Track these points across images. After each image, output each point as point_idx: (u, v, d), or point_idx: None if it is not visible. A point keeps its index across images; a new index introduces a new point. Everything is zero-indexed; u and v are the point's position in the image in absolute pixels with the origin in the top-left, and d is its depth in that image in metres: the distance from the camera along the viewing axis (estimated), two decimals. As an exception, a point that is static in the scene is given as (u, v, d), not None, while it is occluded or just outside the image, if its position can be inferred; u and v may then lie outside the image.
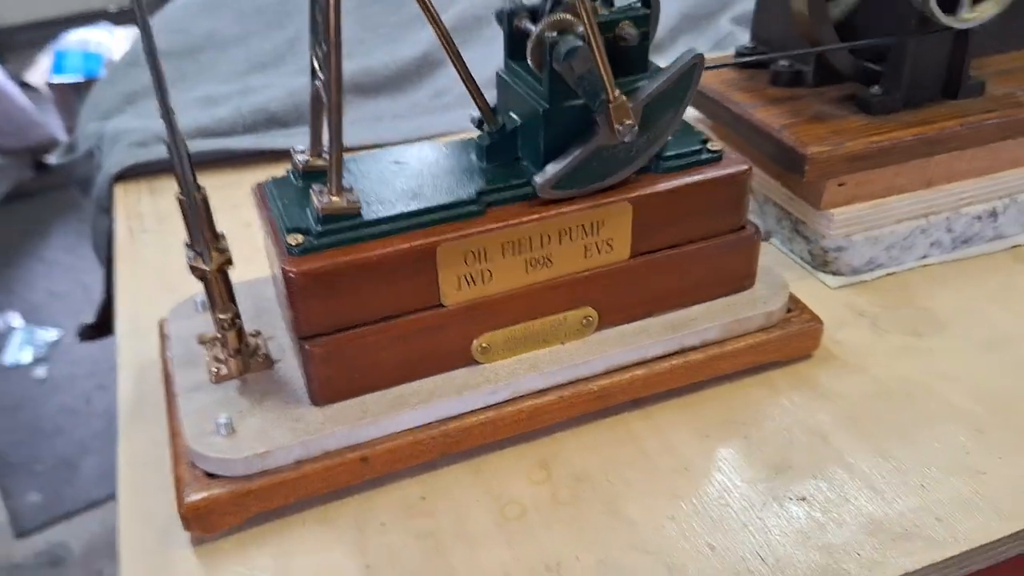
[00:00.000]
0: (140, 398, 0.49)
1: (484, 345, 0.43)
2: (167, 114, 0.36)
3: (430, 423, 0.42)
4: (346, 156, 0.44)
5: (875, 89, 0.54)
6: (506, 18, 0.43)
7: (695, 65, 0.42)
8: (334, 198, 0.39)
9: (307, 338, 0.40)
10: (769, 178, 0.57)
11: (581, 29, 0.40)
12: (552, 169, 0.41)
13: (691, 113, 0.64)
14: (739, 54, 0.61)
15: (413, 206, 0.41)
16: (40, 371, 2.19)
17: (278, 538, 0.40)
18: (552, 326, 0.44)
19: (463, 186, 0.42)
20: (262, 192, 0.44)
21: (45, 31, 3.14)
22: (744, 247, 0.47)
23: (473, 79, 0.43)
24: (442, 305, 0.42)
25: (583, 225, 0.43)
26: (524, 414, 0.43)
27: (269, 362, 0.44)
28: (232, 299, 0.42)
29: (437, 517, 0.41)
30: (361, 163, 0.45)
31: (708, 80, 0.60)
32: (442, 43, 0.41)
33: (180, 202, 0.39)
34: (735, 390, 0.47)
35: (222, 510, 0.39)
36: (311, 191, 0.40)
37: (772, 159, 0.54)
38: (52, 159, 0.86)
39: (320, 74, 0.41)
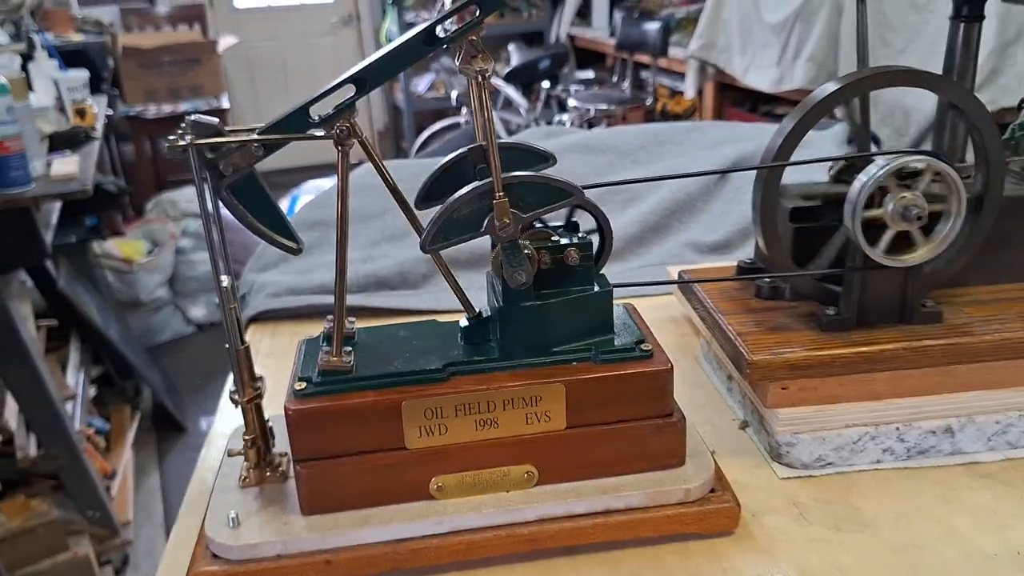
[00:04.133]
0: (202, 491, 0.63)
1: (439, 485, 0.55)
2: (219, 288, 0.52)
3: (386, 541, 0.53)
4: (362, 325, 0.59)
5: (830, 310, 0.62)
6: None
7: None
8: (332, 358, 0.53)
9: (299, 461, 0.53)
10: (742, 377, 0.66)
11: (527, 251, 0.53)
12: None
13: (691, 314, 0.74)
14: (739, 268, 0.71)
15: (391, 369, 0.54)
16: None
17: (256, 612, 0.52)
18: (498, 476, 0.55)
19: (438, 357, 0.55)
20: (298, 347, 0.59)
21: (290, 177, 3.71)
22: (669, 431, 0.56)
23: (458, 284, 0.57)
24: (406, 448, 0.54)
25: (523, 397, 0.54)
26: (463, 545, 0.54)
27: (284, 477, 0.58)
28: (261, 425, 0.56)
29: (375, 617, 0.52)
30: (373, 332, 0.59)
31: (707, 287, 0.70)
32: (434, 259, 0.56)
33: (227, 351, 0.54)
34: (653, 552, 0.55)
35: (218, 583, 0.52)
36: (320, 350, 0.55)
37: (731, 360, 0.63)
38: (216, 300, 1.08)
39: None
